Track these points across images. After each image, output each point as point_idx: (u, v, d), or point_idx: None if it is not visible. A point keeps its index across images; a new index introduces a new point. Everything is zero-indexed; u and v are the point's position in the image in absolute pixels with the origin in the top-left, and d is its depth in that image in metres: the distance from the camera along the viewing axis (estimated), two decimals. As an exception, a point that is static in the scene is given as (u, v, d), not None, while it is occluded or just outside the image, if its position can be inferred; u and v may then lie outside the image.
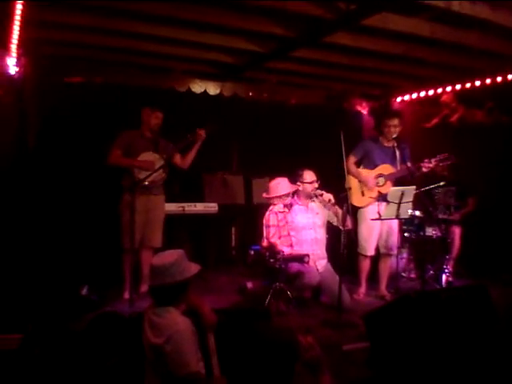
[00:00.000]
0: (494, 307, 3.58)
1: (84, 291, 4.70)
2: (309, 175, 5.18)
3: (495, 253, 6.07)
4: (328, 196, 5.02)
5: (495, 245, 6.14)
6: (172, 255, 2.68)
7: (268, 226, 5.12)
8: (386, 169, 5.45)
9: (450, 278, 5.86)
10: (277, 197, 5.16)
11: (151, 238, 5.25)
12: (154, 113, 5.21)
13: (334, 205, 5.03)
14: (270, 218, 5.12)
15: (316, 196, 5.12)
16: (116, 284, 5.19)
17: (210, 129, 5.23)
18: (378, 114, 5.95)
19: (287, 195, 5.19)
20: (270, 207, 5.21)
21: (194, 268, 2.73)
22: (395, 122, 5.38)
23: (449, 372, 3.11)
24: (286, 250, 4.95)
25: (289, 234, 5.14)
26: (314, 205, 5.27)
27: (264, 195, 5.33)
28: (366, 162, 5.54)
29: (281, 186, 5.18)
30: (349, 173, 5.09)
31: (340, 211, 4.97)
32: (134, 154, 5.13)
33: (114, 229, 5.12)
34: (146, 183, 4.99)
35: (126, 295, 4.97)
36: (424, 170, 5.23)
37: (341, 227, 4.83)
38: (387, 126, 5.39)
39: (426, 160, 5.25)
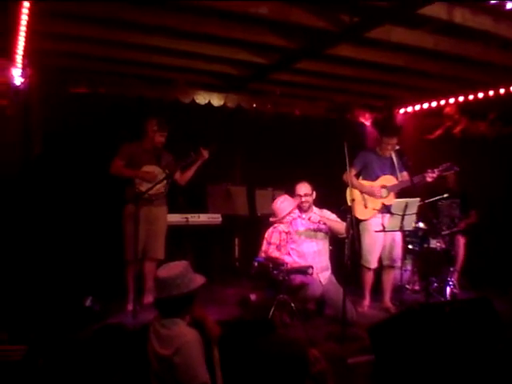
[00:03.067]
0: (499, 320, 3.57)
1: (88, 302, 4.68)
2: (298, 188, 5.16)
3: (500, 265, 6.04)
4: (315, 217, 5.05)
5: (500, 257, 6.11)
6: (177, 267, 2.68)
7: (269, 243, 5.10)
8: (388, 180, 5.46)
9: (455, 291, 5.82)
10: (287, 214, 5.11)
11: (154, 249, 5.24)
12: (161, 132, 5.17)
13: (315, 222, 5.07)
14: (273, 236, 5.10)
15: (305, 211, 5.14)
16: (119, 295, 5.17)
17: (213, 149, 5.23)
18: (380, 127, 5.96)
19: (295, 208, 5.18)
20: (276, 224, 5.17)
21: (199, 279, 2.74)
22: (393, 141, 5.39)
23: (454, 385, 3.10)
24: (288, 260, 4.95)
25: (288, 253, 5.12)
26: (316, 217, 5.23)
27: (272, 219, 5.22)
28: (366, 173, 5.53)
29: (286, 203, 5.13)
30: (352, 186, 5.08)
31: (334, 225, 5.04)
32: (137, 166, 5.14)
33: (117, 240, 5.12)
34: (147, 195, 4.98)
35: (130, 307, 4.95)
36: (428, 179, 5.24)
37: (340, 236, 4.96)
38: (385, 143, 5.42)
39: (429, 170, 5.26)
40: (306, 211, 5.16)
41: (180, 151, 5.26)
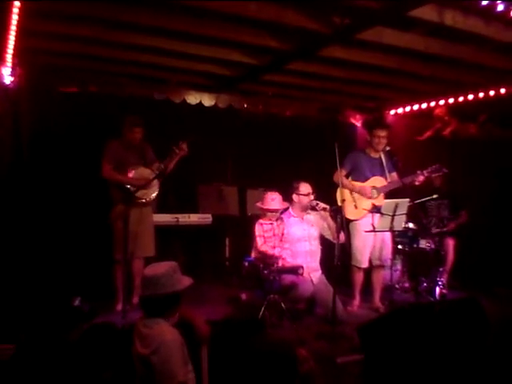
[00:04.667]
0: (486, 320, 3.59)
1: (76, 302, 4.67)
2: (305, 187, 5.20)
3: (489, 265, 6.08)
4: (323, 205, 5.05)
5: (489, 258, 6.15)
6: (164, 266, 2.67)
7: (256, 236, 5.17)
8: (378, 181, 5.48)
9: (444, 291, 5.85)
10: (267, 209, 5.18)
11: (143, 247, 5.21)
12: (133, 128, 5.16)
13: (328, 211, 5.06)
14: (256, 228, 5.18)
15: (312, 207, 5.12)
16: (108, 295, 5.15)
17: (190, 140, 5.20)
18: (370, 126, 5.99)
19: (276, 211, 5.20)
20: (260, 219, 5.26)
21: (186, 281, 2.72)
22: (384, 133, 5.42)
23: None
24: (278, 252, 5.00)
25: (274, 247, 5.13)
26: (310, 217, 5.28)
27: (258, 204, 5.36)
28: (356, 174, 5.54)
29: (274, 201, 5.19)
30: (342, 186, 5.10)
31: (332, 223, 5.03)
32: (124, 166, 5.12)
33: (106, 240, 5.11)
34: (144, 200, 5.08)
35: (119, 306, 4.95)
36: (419, 179, 5.28)
37: (333, 240, 4.94)
38: (376, 136, 5.42)
39: (418, 171, 5.30)
40: (305, 210, 5.20)
41: (167, 149, 5.23)
